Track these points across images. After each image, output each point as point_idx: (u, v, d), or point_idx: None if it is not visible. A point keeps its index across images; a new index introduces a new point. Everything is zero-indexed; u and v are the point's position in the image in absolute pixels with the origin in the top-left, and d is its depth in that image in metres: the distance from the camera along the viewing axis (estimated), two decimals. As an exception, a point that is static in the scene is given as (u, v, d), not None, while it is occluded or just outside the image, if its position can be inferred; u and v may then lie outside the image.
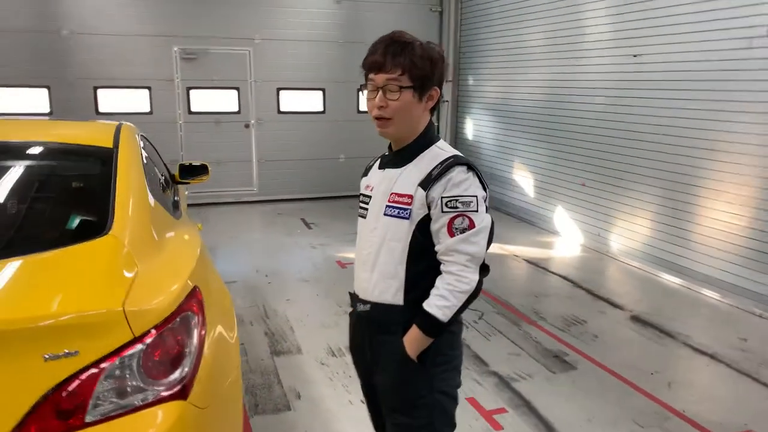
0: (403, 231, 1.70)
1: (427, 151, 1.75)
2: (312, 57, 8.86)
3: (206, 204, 8.49)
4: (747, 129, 4.73)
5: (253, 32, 8.53)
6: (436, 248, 1.68)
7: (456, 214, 1.64)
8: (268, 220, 8.01)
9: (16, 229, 2.00)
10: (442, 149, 1.76)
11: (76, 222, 2.04)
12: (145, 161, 2.62)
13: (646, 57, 5.67)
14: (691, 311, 4.89)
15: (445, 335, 1.70)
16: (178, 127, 8.48)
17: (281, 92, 8.89)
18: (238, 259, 6.23)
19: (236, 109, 8.74)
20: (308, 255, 6.30)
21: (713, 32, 4.95)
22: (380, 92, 1.68)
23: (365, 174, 1.93)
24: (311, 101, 9.10)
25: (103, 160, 2.31)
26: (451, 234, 1.64)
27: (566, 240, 7.00)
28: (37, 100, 7.82)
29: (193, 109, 8.53)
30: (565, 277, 5.67)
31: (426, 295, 1.67)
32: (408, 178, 1.72)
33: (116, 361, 1.47)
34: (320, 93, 9.07)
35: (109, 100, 8.13)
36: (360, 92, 1.72)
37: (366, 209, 1.82)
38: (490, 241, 1.71)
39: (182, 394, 1.57)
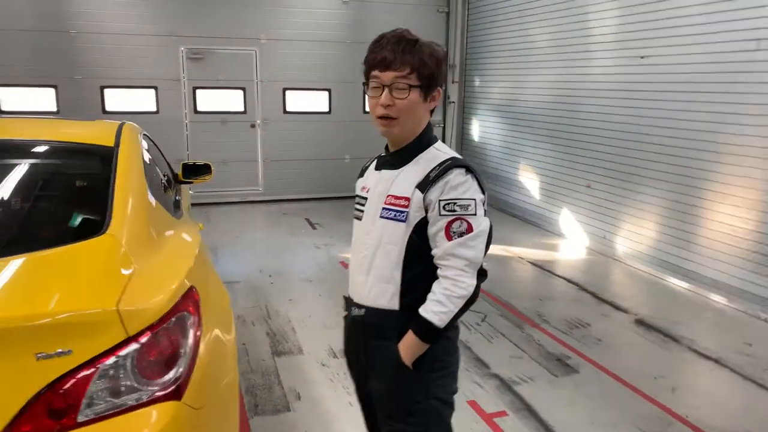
0: (399, 234, 1.67)
1: (425, 152, 1.72)
2: (318, 57, 8.87)
3: (211, 203, 8.52)
4: (755, 131, 4.69)
5: (259, 32, 8.55)
6: (433, 252, 1.65)
7: (454, 217, 1.61)
8: (273, 220, 8.02)
9: (14, 227, 2.01)
10: (440, 150, 1.73)
11: (73, 221, 2.04)
12: (146, 160, 2.62)
13: (653, 58, 5.63)
14: (696, 315, 4.85)
15: (442, 341, 1.66)
16: (184, 126, 8.51)
17: (287, 92, 8.90)
18: (242, 259, 6.24)
19: (242, 108, 8.76)
20: (312, 255, 6.30)
21: (721, 33, 4.91)
22: (386, 90, 1.65)
23: (361, 175, 1.90)
24: (317, 101, 9.11)
25: (104, 159, 2.31)
26: (449, 238, 1.61)
27: (571, 242, 6.97)
28: (44, 99, 7.88)
29: (200, 108, 8.56)
30: (569, 280, 5.64)
31: (422, 300, 1.64)
32: (405, 180, 1.69)
33: (110, 360, 1.46)
34: (326, 93, 9.08)
35: (116, 99, 8.17)
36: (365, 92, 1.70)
37: (362, 211, 1.79)
38: (488, 246, 1.68)
39: (176, 394, 1.56)
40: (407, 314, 1.66)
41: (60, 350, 1.41)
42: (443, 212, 1.61)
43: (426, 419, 1.71)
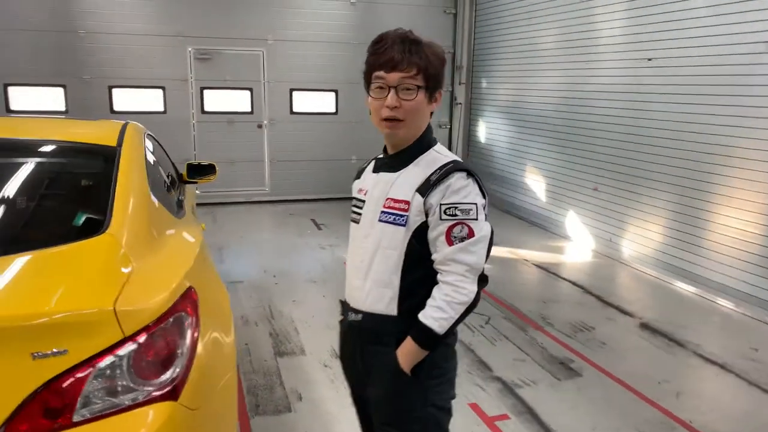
0: (398, 238, 1.64)
1: (424, 155, 1.69)
2: (325, 58, 8.88)
3: (218, 203, 8.55)
4: (764, 135, 4.64)
5: (266, 33, 8.58)
6: (433, 257, 1.62)
7: (455, 222, 1.58)
8: (279, 221, 8.04)
9: (13, 226, 2.01)
10: (441, 153, 1.71)
11: (74, 220, 2.04)
12: (149, 160, 2.63)
13: (660, 60, 5.60)
14: (702, 320, 4.80)
15: (441, 347, 1.64)
16: (191, 126, 8.55)
17: (294, 93, 8.92)
18: (247, 259, 6.26)
19: (249, 109, 8.79)
20: (317, 256, 6.30)
21: (729, 36, 4.87)
22: (392, 92, 1.62)
23: (358, 177, 1.88)
24: (324, 102, 9.13)
25: (106, 158, 2.31)
26: (450, 243, 1.58)
27: (577, 245, 6.93)
28: (53, 98, 7.94)
29: (207, 109, 8.59)
30: (574, 283, 5.61)
31: (421, 306, 1.61)
32: (405, 183, 1.66)
33: (106, 360, 1.46)
34: (333, 94, 9.09)
35: (124, 99, 8.22)
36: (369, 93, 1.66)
37: (359, 214, 1.76)
38: (489, 251, 1.65)
39: (173, 394, 1.56)
40: (405, 320, 1.64)
41: (56, 350, 1.41)
42: (444, 216, 1.58)
43: (424, 426, 1.69)
